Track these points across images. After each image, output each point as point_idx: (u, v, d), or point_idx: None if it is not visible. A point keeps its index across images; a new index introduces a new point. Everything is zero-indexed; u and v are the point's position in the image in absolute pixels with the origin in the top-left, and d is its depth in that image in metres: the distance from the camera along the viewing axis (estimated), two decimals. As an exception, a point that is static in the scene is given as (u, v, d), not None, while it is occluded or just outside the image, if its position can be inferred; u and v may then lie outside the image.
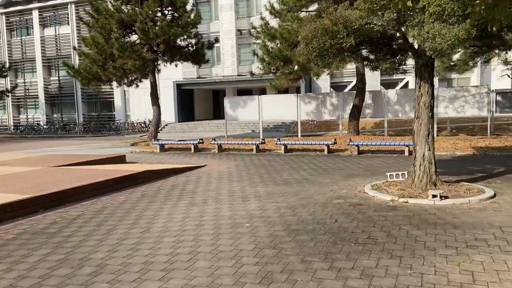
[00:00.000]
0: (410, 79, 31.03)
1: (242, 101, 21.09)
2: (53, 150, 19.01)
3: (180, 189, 8.25)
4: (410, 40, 7.14)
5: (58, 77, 38.11)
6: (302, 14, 16.79)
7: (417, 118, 7.06)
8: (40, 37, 38.95)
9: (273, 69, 17.37)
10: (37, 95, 40.25)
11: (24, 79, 41.03)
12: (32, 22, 39.17)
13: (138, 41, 20.28)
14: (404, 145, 12.43)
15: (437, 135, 17.10)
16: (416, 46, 7.03)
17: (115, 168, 9.64)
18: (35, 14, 38.64)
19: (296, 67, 16.83)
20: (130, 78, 21.49)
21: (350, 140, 12.99)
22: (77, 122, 38.06)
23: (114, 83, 22.40)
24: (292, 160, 12.23)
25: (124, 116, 37.23)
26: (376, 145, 12.76)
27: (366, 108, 18.68)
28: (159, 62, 21.54)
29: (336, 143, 13.41)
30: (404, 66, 8.32)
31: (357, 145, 12.84)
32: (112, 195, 7.86)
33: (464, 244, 4.55)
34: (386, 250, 4.44)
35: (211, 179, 9.31)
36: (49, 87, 39.98)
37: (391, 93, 18.46)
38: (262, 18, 17.36)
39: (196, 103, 35.90)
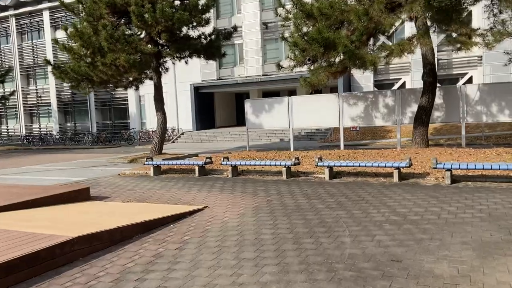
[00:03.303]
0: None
1: (267, 105, 16.59)
2: (32, 170, 15.22)
3: (127, 293, 3.83)
4: None
5: (70, 82, 35.08)
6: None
7: None
8: (52, 39, 36.06)
9: (309, 60, 12.77)
10: (50, 102, 37.41)
11: (36, 86, 38.35)
12: (43, 24, 36.38)
13: (138, 33, 16.29)
14: (531, 169, 7.50)
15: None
16: None
17: (28, 230, 5.35)
18: (46, 15, 35.82)
19: (341, 56, 12.15)
20: (130, 78, 17.51)
21: (437, 161, 8.16)
22: (89, 131, 34.80)
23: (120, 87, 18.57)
24: (347, 196, 7.55)
25: (139, 124, 33.61)
26: (482, 169, 7.87)
27: (436, 110, 13.74)
28: (166, 58, 17.42)
29: (411, 164, 8.63)
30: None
31: (449, 169, 8.01)
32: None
33: None
34: None
35: (202, 254, 4.82)
36: (62, 93, 37.04)
37: (471, 89, 13.45)
38: (293, -9, 12.78)
39: (216, 109, 31.68)
